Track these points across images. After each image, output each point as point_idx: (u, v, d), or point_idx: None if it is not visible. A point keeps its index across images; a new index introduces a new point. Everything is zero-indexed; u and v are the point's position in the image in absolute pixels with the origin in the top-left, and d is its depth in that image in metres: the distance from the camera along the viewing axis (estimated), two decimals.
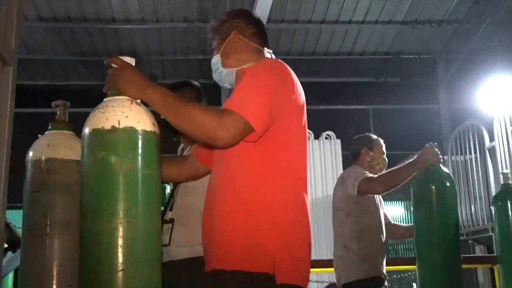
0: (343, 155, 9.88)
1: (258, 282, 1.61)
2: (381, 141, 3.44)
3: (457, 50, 9.69)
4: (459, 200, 6.11)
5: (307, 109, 1.87)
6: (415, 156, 3.08)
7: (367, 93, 11.39)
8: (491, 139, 6.34)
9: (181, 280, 2.24)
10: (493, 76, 6.72)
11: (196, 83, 2.62)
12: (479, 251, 6.99)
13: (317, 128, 10.03)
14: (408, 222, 9.68)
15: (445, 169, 3.15)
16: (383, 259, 3.18)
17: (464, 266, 3.93)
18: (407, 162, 3.12)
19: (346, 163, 9.89)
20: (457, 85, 10.31)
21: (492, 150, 6.28)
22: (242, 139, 1.67)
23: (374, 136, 3.48)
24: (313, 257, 1.85)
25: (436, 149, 3.07)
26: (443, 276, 2.87)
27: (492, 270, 4.54)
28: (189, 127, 1.64)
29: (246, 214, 1.68)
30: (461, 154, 7.14)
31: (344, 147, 10.13)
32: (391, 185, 3.10)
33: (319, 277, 5.94)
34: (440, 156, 3.10)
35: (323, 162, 8.65)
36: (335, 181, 3.47)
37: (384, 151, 3.40)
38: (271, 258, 1.64)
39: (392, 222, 3.50)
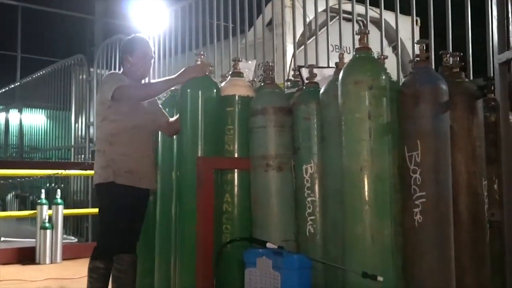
0: None
1: None
2: (144, 43, 3.30)
3: None
4: None
5: None
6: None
7: None
8: None
9: None
10: None
11: None
12: None
13: None
14: (50, 130, 9.53)
15: (213, 79, 3.27)
16: (143, 161, 3.16)
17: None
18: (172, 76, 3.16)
19: None
20: None
21: None
22: None
23: (137, 39, 3.33)
24: None
25: (204, 64, 3.18)
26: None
27: None
28: None
29: None
30: (107, 68, 7.29)
31: None
32: (149, 93, 3.17)
33: None
34: (209, 68, 3.24)
35: None
36: None
37: (147, 52, 3.26)
38: None
39: (170, 119, 3.38)
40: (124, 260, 3.16)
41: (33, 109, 10.52)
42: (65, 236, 6.39)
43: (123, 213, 3.10)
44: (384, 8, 3.69)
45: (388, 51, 4.92)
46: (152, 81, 4.27)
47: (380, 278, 2.23)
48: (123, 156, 3.10)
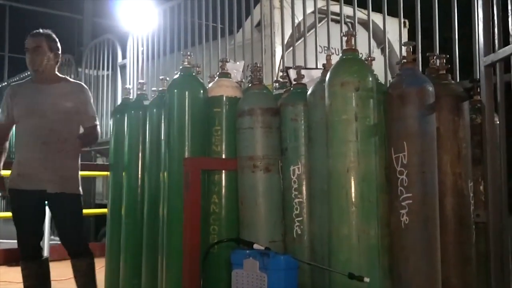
0: None
1: None
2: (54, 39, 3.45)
3: None
4: None
5: None
6: None
7: None
8: (124, 56, 6.60)
9: None
10: None
11: None
12: (101, 161, 7.32)
13: None
14: None
15: (200, 80, 3.23)
16: (34, 164, 3.16)
17: (85, 173, 4.13)
18: None
19: None
20: None
21: (123, 67, 6.57)
22: None
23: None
24: None
25: None
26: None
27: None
28: None
29: None
30: (96, 68, 7.24)
31: None
32: None
33: None
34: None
35: None
36: None
37: (25, 44, 3.49)
38: None
39: (84, 129, 3.42)
40: (78, 264, 3.23)
41: None
42: (52, 237, 6.33)
43: (21, 217, 3.22)
44: (372, 10, 3.71)
45: (376, 52, 4.94)
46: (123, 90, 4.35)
47: (366, 279, 2.23)
48: (15, 161, 3.26)
